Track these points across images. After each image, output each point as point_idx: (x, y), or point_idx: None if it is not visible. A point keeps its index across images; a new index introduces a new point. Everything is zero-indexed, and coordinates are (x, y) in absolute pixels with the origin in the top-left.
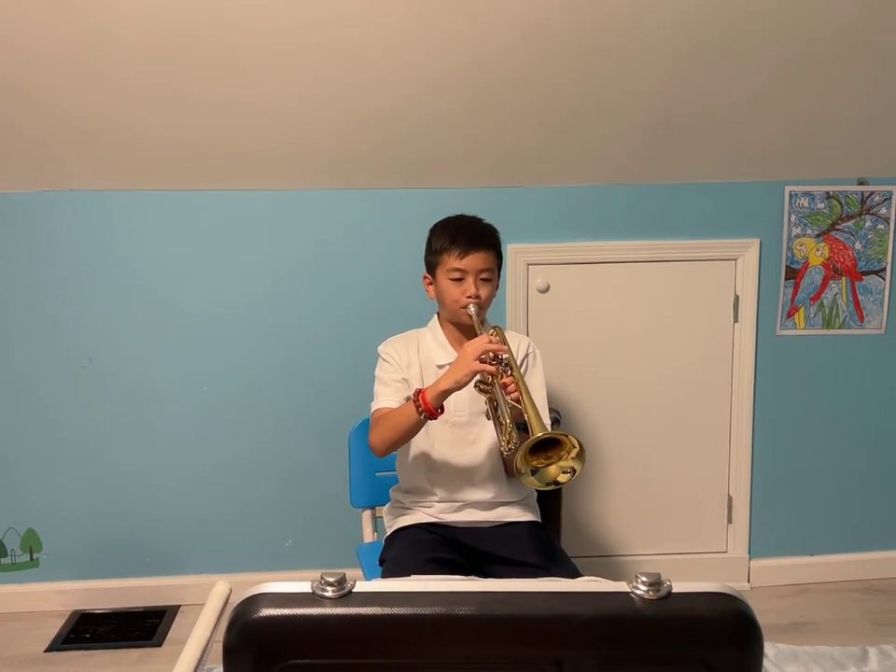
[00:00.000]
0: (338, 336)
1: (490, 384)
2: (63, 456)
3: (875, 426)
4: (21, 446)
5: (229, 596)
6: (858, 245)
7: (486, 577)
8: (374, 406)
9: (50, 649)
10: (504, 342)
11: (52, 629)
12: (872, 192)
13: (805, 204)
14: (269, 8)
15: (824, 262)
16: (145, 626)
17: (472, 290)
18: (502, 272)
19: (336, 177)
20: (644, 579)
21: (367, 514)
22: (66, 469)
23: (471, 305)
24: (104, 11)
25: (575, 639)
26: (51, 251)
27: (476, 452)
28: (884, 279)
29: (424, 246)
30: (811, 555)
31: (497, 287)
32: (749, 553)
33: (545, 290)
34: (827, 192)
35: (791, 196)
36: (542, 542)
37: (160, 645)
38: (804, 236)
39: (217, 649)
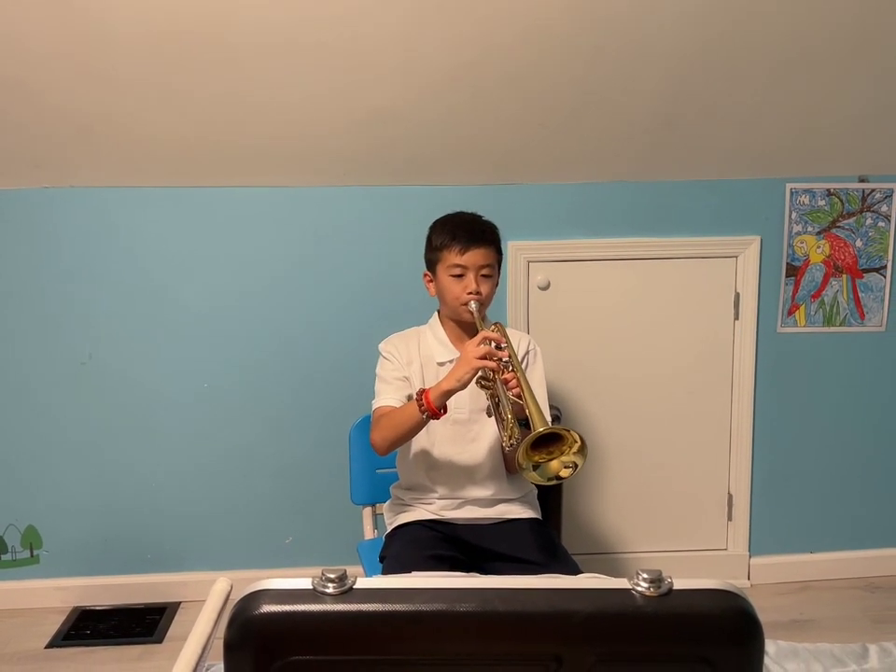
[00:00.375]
0: (338, 333)
1: (491, 379)
2: (64, 453)
3: (876, 423)
4: (22, 443)
5: (229, 593)
6: (858, 243)
7: (487, 574)
8: (375, 404)
9: (51, 645)
10: (505, 337)
11: (53, 626)
12: (873, 189)
13: (806, 202)
14: (269, 6)
15: (825, 260)
16: (145, 623)
17: (473, 286)
18: (503, 269)
19: (336, 174)
20: (645, 575)
21: (367, 511)
22: (67, 466)
23: (472, 302)
24: (105, 8)
25: (576, 636)
26: (51, 248)
27: (477, 449)
28: (885, 277)
29: (424, 244)
30: (811, 553)
31: (498, 284)
32: (750, 550)
33: (546, 287)
34: (828, 189)
35: (791, 193)
36: (543, 539)
37: (160, 641)
38: (804, 233)
39: (218, 645)
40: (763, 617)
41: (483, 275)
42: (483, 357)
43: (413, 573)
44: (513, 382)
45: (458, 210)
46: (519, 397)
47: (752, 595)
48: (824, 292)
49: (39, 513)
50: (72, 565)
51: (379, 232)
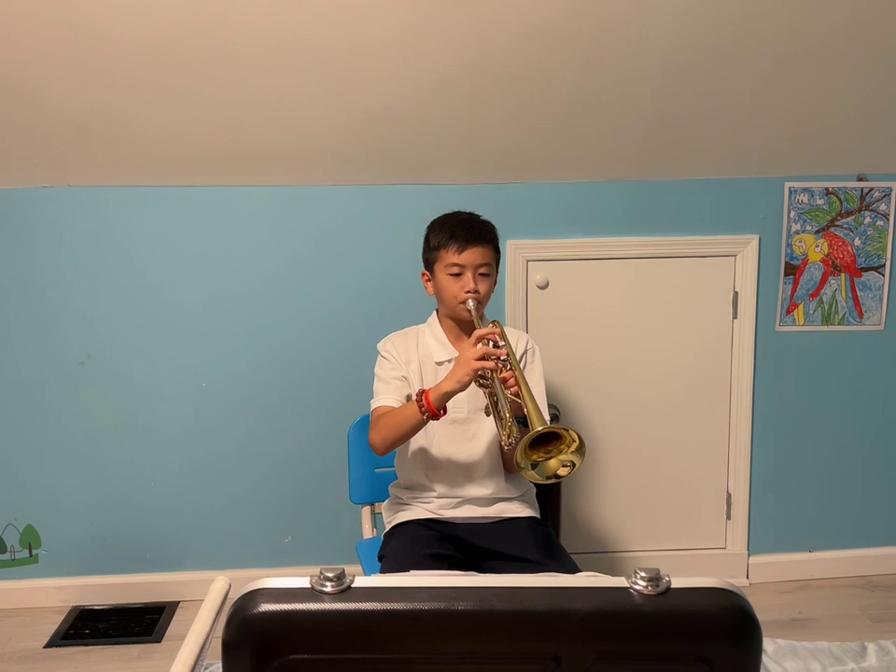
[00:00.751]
0: (337, 333)
1: (490, 378)
2: (63, 453)
3: (874, 422)
4: (21, 443)
5: (228, 592)
6: (857, 242)
7: (485, 573)
8: (374, 404)
9: (50, 645)
10: (503, 335)
11: (52, 625)
12: (871, 188)
13: (805, 201)
14: (267, 5)
15: (823, 259)
16: (144, 622)
17: (471, 285)
18: (501, 268)
19: (334, 174)
20: (643, 574)
21: (366, 510)
22: (65, 466)
23: (470, 300)
24: (102, 8)
25: (574, 634)
26: (49, 247)
27: (475, 448)
28: (883, 275)
29: (422, 243)
30: (810, 551)
31: (496, 284)
32: (748, 549)
33: (544, 287)
34: (826, 188)
35: (790, 192)
36: (542, 538)
37: (159, 641)
38: (803, 232)
39: (217, 644)
40: (761, 616)
41: (480, 274)
42: (482, 358)
43: (412, 572)
44: (511, 381)
45: (456, 209)
46: (517, 395)
47: (751, 593)
48: (823, 291)
49: (38, 513)
50: (71, 564)
51: (377, 232)
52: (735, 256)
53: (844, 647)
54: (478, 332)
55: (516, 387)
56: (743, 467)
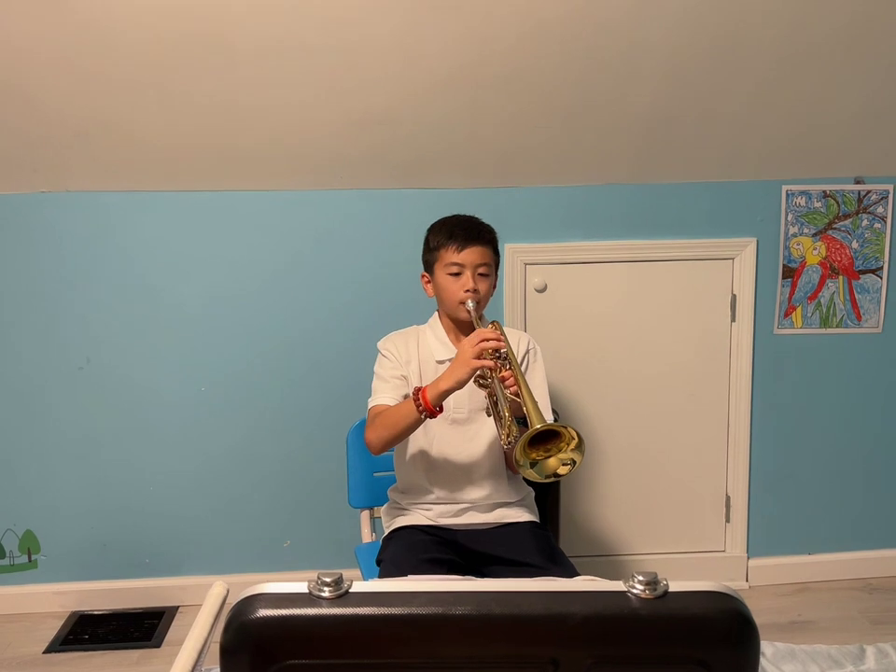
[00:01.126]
0: (336, 337)
1: (489, 378)
2: (62, 458)
3: (873, 424)
4: (20, 448)
5: (226, 597)
6: (855, 244)
7: (484, 577)
8: (372, 402)
9: (49, 650)
10: (503, 335)
11: (51, 630)
12: (868, 191)
13: (802, 203)
14: (266, 9)
15: (821, 261)
16: (143, 627)
17: (470, 284)
18: (500, 271)
19: (334, 178)
20: (640, 578)
21: (365, 515)
22: (65, 471)
23: (469, 301)
24: (101, 13)
25: (572, 638)
26: (48, 252)
27: (475, 449)
28: (881, 278)
29: (422, 246)
30: (809, 554)
31: (495, 287)
32: (748, 552)
33: (542, 290)
34: (824, 191)
35: (787, 195)
36: (541, 543)
37: (158, 646)
38: (801, 235)
39: (215, 649)
40: (760, 619)
41: (480, 274)
42: (480, 356)
43: (410, 576)
44: (511, 380)
45: (455, 213)
46: (517, 395)
47: (750, 596)
48: (821, 294)
49: (37, 518)
50: (70, 569)
51: (377, 236)
52: (733, 259)
53: (842, 650)
54: (480, 331)
55: (515, 387)
56: (742, 470)
